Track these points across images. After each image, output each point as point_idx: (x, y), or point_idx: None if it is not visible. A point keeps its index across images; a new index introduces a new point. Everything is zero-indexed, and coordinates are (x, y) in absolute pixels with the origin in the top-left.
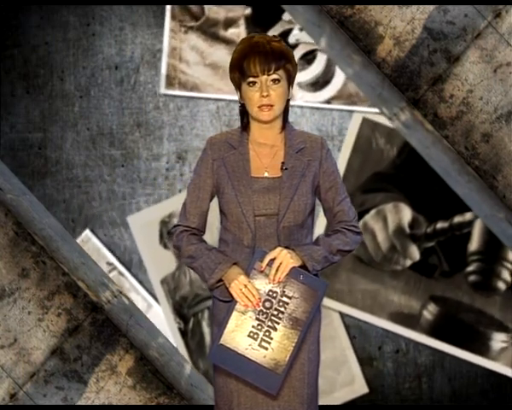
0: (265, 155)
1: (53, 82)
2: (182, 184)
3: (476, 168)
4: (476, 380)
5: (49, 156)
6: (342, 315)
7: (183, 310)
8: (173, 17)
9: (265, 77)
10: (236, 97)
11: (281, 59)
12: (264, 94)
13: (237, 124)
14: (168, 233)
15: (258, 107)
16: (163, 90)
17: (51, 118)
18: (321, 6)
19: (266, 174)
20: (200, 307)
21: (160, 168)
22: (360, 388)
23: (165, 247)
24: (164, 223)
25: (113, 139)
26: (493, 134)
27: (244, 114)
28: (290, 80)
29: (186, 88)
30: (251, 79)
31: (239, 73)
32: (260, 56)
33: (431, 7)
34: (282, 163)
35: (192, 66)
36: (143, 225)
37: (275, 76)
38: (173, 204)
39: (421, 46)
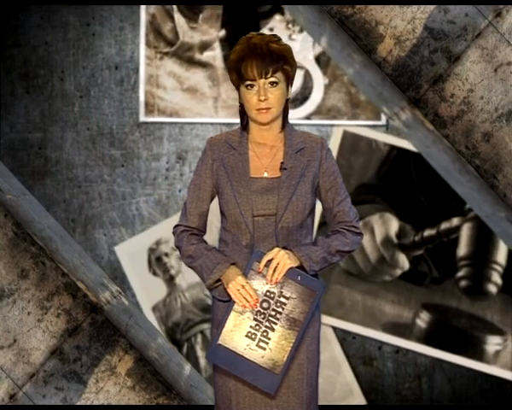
0: (265, 156)
1: (53, 82)
2: (182, 184)
3: (477, 168)
4: (476, 380)
5: (49, 156)
6: (335, 329)
7: (176, 336)
8: (148, 44)
9: (263, 80)
10: (216, 120)
11: (279, 61)
12: (262, 98)
13: (237, 124)
14: (157, 259)
15: (257, 110)
16: (142, 117)
17: (51, 118)
18: (321, 5)
19: (266, 174)
20: (192, 331)
21: (159, 168)
22: (358, 401)
23: (155, 274)
24: (152, 250)
25: (113, 139)
26: (494, 133)
27: (244, 113)
28: (289, 80)
29: (165, 114)
30: (248, 82)
31: (237, 74)
32: (257, 60)
33: (432, 6)
34: (281, 163)
35: (170, 91)
36: (131, 253)
37: (272, 79)
38: (160, 231)
39: (421, 46)
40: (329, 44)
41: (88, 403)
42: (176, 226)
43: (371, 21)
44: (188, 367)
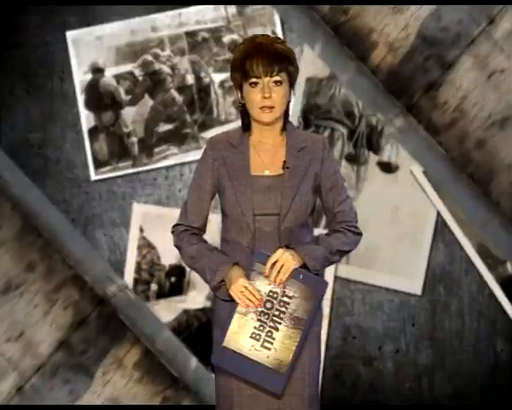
0: (266, 153)
1: (53, 82)
2: (182, 184)
3: (470, 174)
4: (476, 380)
5: (49, 156)
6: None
7: None
8: None
9: (268, 78)
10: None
11: (283, 61)
12: (266, 95)
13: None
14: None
15: (260, 108)
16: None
17: (51, 118)
18: (315, 12)
19: (267, 172)
20: None
21: (160, 168)
22: None
23: None
24: None
25: None
26: (487, 141)
27: (244, 114)
28: (291, 82)
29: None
30: (253, 80)
31: (241, 73)
32: (263, 58)
33: (425, 14)
34: (284, 162)
35: None
36: None
37: (277, 78)
38: None
39: (415, 53)
40: (323, 51)
41: (95, 396)
42: (175, 226)
43: (364, 29)
44: (194, 360)
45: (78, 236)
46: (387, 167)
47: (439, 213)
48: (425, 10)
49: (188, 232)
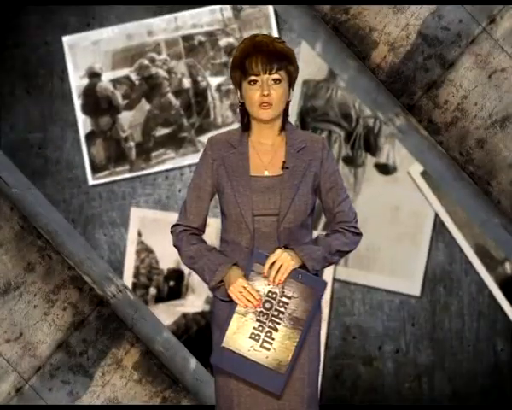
0: (265, 153)
1: (53, 82)
2: (182, 183)
3: (471, 174)
4: (476, 380)
5: (49, 156)
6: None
7: None
8: None
9: (267, 76)
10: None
11: (283, 59)
12: (265, 93)
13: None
14: None
15: (259, 105)
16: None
17: (51, 118)
18: (316, 11)
19: (266, 173)
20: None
21: (157, 172)
22: None
23: None
24: None
25: None
26: (488, 140)
27: (244, 113)
28: (291, 82)
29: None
30: (252, 78)
31: (240, 71)
32: (263, 55)
33: (426, 13)
34: (283, 162)
35: None
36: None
37: (276, 76)
38: None
39: (415, 52)
40: (324, 50)
41: (94, 397)
42: (174, 226)
43: (365, 28)
44: (193, 361)
45: (78, 236)
46: (385, 169)
47: (437, 214)
48: (425, 10)
49: (187, 232)
